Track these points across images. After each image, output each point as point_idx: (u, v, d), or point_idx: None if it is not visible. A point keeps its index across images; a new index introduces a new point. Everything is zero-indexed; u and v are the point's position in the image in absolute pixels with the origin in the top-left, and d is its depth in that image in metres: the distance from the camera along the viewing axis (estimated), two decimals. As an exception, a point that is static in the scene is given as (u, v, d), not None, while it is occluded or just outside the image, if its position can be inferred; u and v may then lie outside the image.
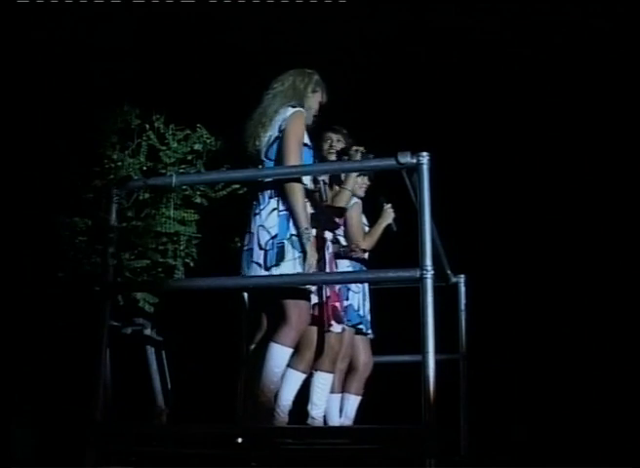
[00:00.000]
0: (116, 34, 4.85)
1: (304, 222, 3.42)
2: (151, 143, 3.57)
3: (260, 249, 3.44)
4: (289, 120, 3.53)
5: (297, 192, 3.43)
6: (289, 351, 3.40)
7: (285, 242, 3.43)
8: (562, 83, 5.93)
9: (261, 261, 3.43)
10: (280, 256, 3.41)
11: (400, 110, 5.81)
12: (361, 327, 4.27)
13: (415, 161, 3.02)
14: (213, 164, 3.61)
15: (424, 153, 3.02)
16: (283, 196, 3.46)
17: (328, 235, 4.08)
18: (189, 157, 3.61)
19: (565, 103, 5.93)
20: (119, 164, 3.46)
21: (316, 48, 5.20)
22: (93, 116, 3.56)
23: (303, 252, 3.42)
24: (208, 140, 3.63)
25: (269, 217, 3.46)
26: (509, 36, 5.78)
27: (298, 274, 3.46)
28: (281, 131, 3.54)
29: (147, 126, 3.57)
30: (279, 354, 3.39)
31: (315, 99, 3.72)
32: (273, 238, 3.44)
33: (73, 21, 4.41)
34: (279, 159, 3.52)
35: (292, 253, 3.41)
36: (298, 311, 3.41)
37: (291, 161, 3.46)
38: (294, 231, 3.45)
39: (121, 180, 3.42)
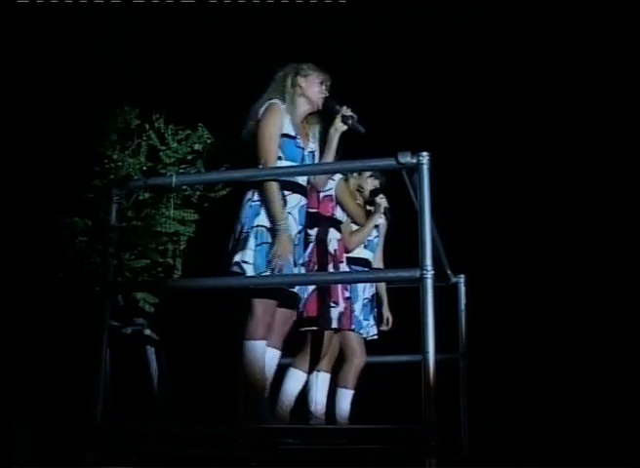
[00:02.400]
0: (116, 34, 4.84)
1: (279, 216, 3.46)
2: (151, 143, 3.57)
3: (234, 239, 3.54)
4: (263, 113, 3.62)
5: (271, 186, 3.48)
6: (260, 344, 3.46)
7: (249, 231, 3.50)
8: (562, 82, 5.93)
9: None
10: (242, 245, 3.48)
11: (400, 110, 5.80)
12: (361, 331, 4.32)
13: (415, 161, 3.02)
14: (213, 164, 3.61)
15: (424, 153, 3.02)
16: (257, 188, 3.54)
17: (330, 234, 4.11)
18: (189, 157, 3.61)
19: (565, 103, 5.93)
20: (119, 164, 3.46)
21: (316, 48, 5.20)
22: (93, 116, 3.56)
23: (269, 243, 3.45)
24: (208, 140, 3.64)
25: (243, 208, 3.56)
26: (510, 36, 5.77)
27: (298, 274, 3.47)
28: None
29: (147, 126, 3.57)
30: (251, 349, 3.44)
31: (309, 83, 3.74)
32: (242, 228, 3.53)
33: (73, 21, 4.41)
34: (254, 153, 3.59)
35: (252, 243, 3.47)
36: (262, 304, 3.47)
37: (263, 155, 3.53)
38: (259, 222, 3.51)
39: (121, 180, 3.43)
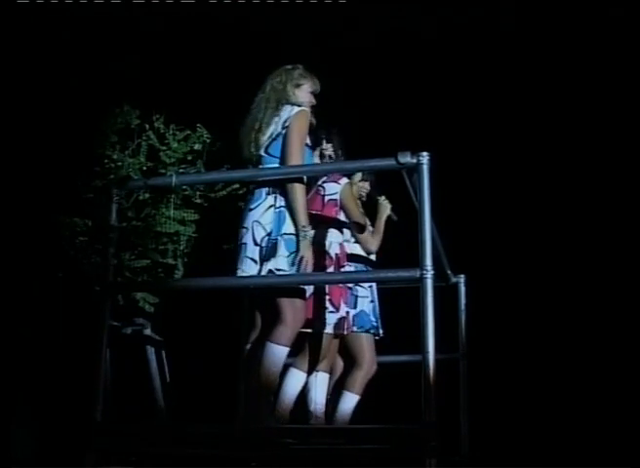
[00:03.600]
0: (116, 34, 4.85)
1: (304, 221, 3.43)
2: (151, 143, 3.58)
3: (256, 244, 3.46)
4: (293, 118, 3.54)
5: (297, 191, 3.44)
6: (285, 350, 3.41)
7: (278, 238, 3.44)
8: (562, 82, 5.93)
9: (256, 257, 3.45)
10: (272, 252, 3.42)
11: (400, 110, 5.81)
12: (372, 331, 4.30)
13: (415, 161, 3.02)
14: (213, 164, 3.61)
15: (424, 153, 3.02)
16: (280, 193, 3.48)
17: (332, 237, 4.11)
18: (189, 157, 3.61)
19: (565, 103, 5.93)
20: (119, 164, 3.46)
21: (316, 47, 5.20)
22: (93, 116, 3.56)
23: (297, 250, 3.42)
24: (208, 140, 3.64)
25: (266, 214, 3.48)
26: (509, 35, 5.78)
27: (298, 274, 3.46)
28: (284, 127, 3.55)
29: (147, 126, 3.58)
30: (275, 353, 3.39)
31: (303, 93, 3.70)
32: (268, 235, 3.45)
33: (73, 21, 4.41)
34: (282, 157, 3.53)
35: (283, 251, 3.42)
36: (293, 310, 3.41)
37: (293, 160, 3.48)
38: (287, 230, 3.46)
39: (121, 180, 3.43)
